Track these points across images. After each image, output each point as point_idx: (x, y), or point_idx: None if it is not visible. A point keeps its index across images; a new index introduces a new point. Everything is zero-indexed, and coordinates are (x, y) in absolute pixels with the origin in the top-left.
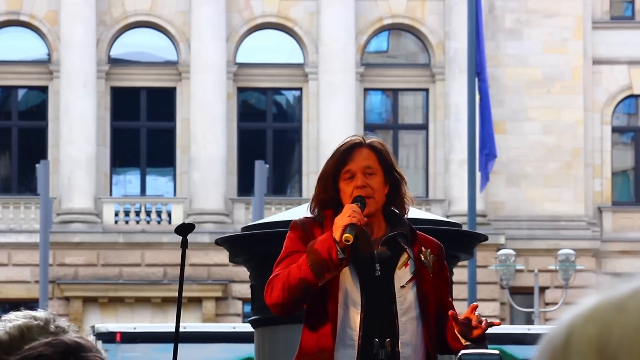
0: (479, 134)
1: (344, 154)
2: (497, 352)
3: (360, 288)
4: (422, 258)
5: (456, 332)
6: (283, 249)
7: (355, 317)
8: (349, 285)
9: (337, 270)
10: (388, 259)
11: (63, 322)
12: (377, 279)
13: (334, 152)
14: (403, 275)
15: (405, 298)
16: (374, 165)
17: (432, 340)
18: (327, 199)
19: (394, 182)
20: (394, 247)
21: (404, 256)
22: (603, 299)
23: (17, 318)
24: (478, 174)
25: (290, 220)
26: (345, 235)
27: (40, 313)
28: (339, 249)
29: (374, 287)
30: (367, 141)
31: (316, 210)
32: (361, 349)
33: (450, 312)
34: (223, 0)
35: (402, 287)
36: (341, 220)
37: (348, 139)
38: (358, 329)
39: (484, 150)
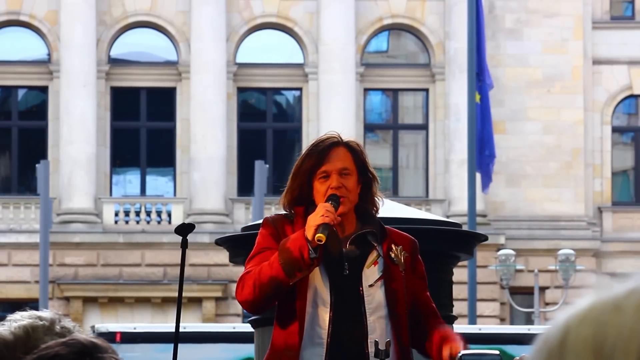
0: (479, 134)
1: (321, 153)
2: (497, 352)
3: (330, 287)
4: (392, 255)
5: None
6: (255, 245)
7: (325, 315)
8: (319, 283)
9: (309, 269)
10: (357, 257)
11: (69, 323)
12: (346, 278)
13: (310, 150)
14: (371, 274)
15: (374, 297)
16: (349, 165)
17: (402, 340)
18: (301, 197)
19: (366, 181)
20: (363, 246)
21: (373, 254)
22: (599, 298)
23: (22, 318)
24: (478, 174)
25: None
26: (317, 235)
27: (45, 313)
28: (310, 248)
29: (342, 286)
30: (344, 140)
31: (289, 206)
32: (330, 347)
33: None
34: (223, 0)
35: (370, 286)
36: (314, 219)
37: (325, 137)
38: (327, 328)
39: (484, 151)
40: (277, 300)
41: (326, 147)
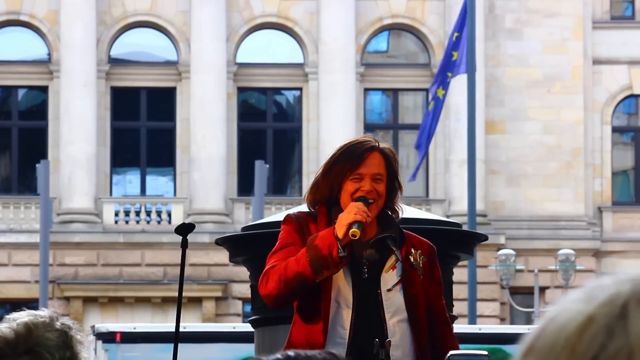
0: (429, 131)
1: (358, 156)
2: (485, 352)
3: (352, 288)
4: (412, 260)
5: None
6: (278, 240)
7: (347, 316)
8: (342, 283)
9: (337, 268)
10: (376, 261)
11: (67, 320)
12: (365, 281)
13: (345, 151)
14: (390, 278)
15: (392, 301)
16: (382, 172)
17: (422, 344)
18: (330, 197)
19: (391, 188)
20: (382, 250)
21: (392, 259)
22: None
23: (21, 316)
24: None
25: None
26: (352, 230)
27: (43, 312)
28: (340, 247)
29: (362, 289)
30: (380, 145)
31: (314, 204)
32: (351, 347)
33: None
34: (223, 0)
35: (389, 290)
36: (346, 217)
37: (362, 140)
38: (349, 328)
39: (428, 145)
40: (300, 296)
41: (363, 150)
